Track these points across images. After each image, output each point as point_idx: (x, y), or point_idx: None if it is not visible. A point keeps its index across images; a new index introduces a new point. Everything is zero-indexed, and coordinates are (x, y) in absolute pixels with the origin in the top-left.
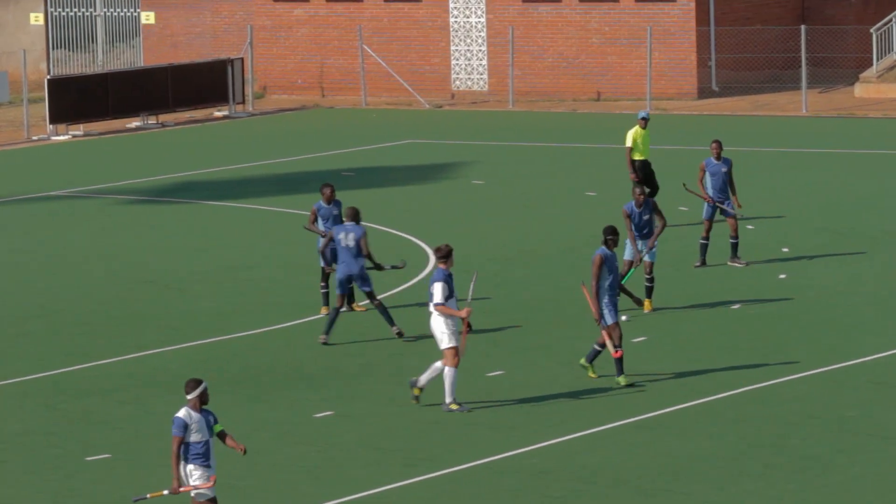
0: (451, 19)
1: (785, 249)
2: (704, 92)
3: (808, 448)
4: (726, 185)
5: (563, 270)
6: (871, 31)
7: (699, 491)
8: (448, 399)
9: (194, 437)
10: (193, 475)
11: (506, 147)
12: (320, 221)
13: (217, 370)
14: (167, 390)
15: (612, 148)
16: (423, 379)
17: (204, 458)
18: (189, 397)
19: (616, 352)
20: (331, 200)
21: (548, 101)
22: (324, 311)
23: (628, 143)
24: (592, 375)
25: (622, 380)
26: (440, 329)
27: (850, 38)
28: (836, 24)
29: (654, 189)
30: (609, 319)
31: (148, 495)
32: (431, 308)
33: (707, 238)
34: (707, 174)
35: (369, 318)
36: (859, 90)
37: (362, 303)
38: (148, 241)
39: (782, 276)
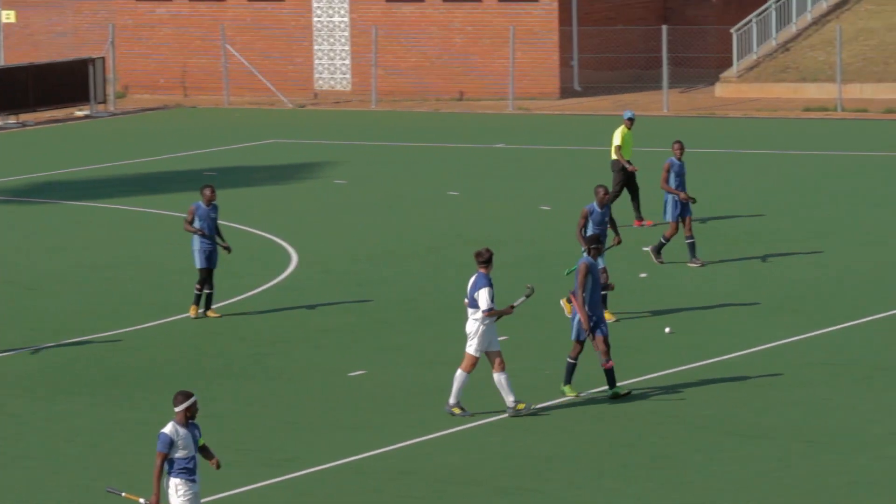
0: (315, 19)
1: (645, 249)
2: (567, 92)
3: (666, 447)
4: (684, 184)
5: (426, 270)
6: (732, 31)
7: (558, 490)
8: (511, 399)
9: (181, 453)
10: (180, 490)
11: (369, 147)
12: (197, 221)
13: (77, 371)
14: (26, 392)
15: (474, 148)
16: (454, 395)
17: (190, 473)
18: (177, 409)
19: (607, 363)
20: (210, 202)
21: (411, 101)
22: (192, 311)
23: (617, 142)
24: (571, 394)
25: (618, 390)
26: (479, 334)
27: (710, 38)
28: (697, 25)
29: (635, 190)
30: (595, 332)
31: (123, 494)
32: (474, 314)
33: (693, 236)
34: (672, 174)
35: (229, 320)
36: (720, 90)
37: (215, 305)
38: (7, 242)
39: (643, 276)
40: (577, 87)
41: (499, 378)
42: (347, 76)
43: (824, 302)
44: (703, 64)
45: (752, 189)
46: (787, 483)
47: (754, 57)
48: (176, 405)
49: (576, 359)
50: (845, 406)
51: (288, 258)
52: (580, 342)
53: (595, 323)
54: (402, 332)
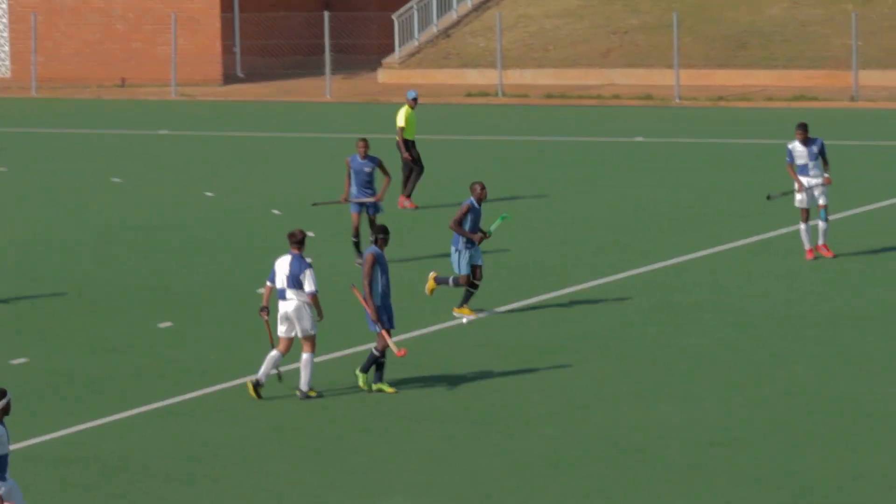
0: None
1: (311, 234)
2: (230, 78)
3: (332, 429)
4: (370, 183)
5: (92, 258)
6: (393, 17)
7: (226, 475)
8: (305, 387)
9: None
10: None
11: (29, 134)
12: None
13: None
14: None
15: (136, 134)
16: (263, 372)
17: (2, 472)
18: None
19: (399, 350)
20: None
21: (72, 88)
22: None
23: (400, 123)
24: (363, 386)
25: (384, 386)
26: (307, 316)
27: (372, 24)
28: (358, 11)
29: (421, 169)
30: (386, 322)
31: None
32: (298, 295)
33: (357, 235)
34: (351, 171)
35: None
36: (383, 76)
37: None
38: None
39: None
40: (239, 73)
41: (310, 358)
42: (6, 63)
43: (484, 286)
44: (365, 50)
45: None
46: (453, 464)
47: (416, 43)
48: None
49: (382, 351)
50: (506, 387)
51: None
52: (386, 330)
53: (389, 316)
54: (67, 320)
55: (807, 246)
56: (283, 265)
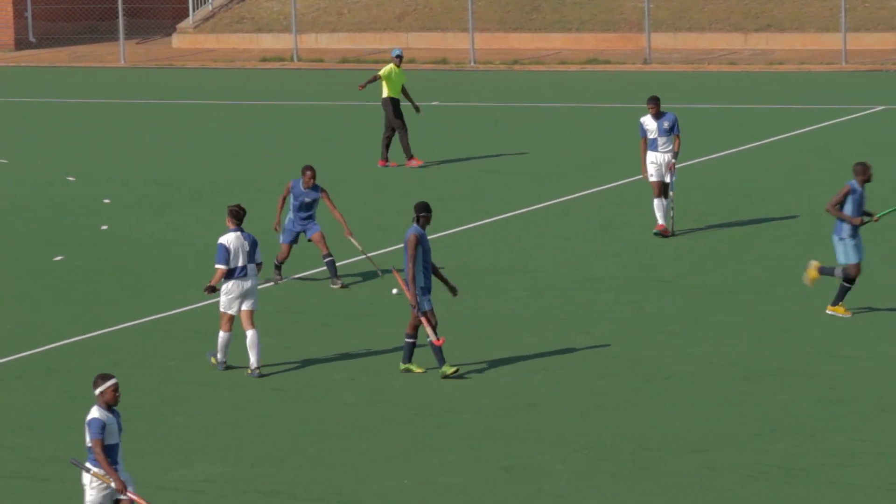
0: None
1: (106, 201)
2: (22, 43)
3: (131, 398)
4: (310, 214)
5: None
6: None
7: (23, 444)
8: (258, 363)
9: (109, 440)
10: (94, 482)
11: None
12: None
13: None
14: None
15: None
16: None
17: (116, 463)
18: (97, 392)
19: (438, 340)
20: None
21: None
22: None
23: (382, 73)
24: (419, 370)
25: (446, 369)
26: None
27: None
28: None
29: (405, 128)
30: (426, 305)
31: (92, 470)
32: (256, 270)
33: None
34: (291, 195)
35: None
36: (177, 41)
37: None
38: None
39: (104, 228)
40: (31, 38)
41: (256, 334)
42: None
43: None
44: (159, 15)
45: (212, 139)
46: (253, 431)
47: (210, 8)
48: (96, 388)
49: (414, 336)
50: (306, 354)
51: None
52: (424, 315)
53: (422, 299)
54: None
55: (660, 221)
56: (240, 243)
